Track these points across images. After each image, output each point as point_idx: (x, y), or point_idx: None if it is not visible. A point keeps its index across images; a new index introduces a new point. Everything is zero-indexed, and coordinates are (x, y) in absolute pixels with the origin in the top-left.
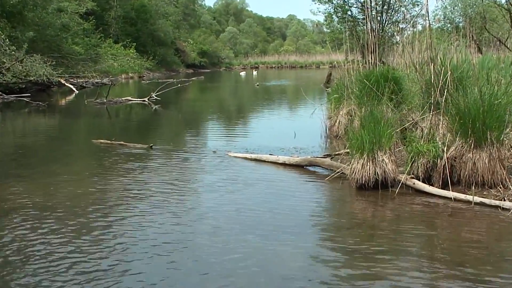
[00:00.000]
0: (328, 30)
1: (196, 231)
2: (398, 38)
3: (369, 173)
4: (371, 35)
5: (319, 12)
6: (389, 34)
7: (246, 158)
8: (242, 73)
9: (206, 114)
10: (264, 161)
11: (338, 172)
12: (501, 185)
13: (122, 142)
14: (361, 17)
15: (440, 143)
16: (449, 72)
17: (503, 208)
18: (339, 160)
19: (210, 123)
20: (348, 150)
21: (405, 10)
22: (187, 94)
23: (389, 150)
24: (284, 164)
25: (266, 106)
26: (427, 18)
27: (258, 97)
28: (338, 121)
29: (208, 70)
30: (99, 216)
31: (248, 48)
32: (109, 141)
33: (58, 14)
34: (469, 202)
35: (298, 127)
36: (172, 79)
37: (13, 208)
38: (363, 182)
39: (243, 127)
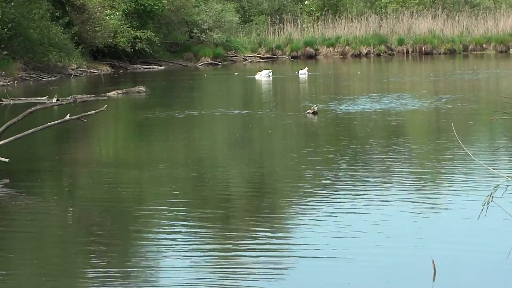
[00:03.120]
0: None
1: None
2: None
3: None
4: None
5: None
6: None
7: None
8: (262, 76)
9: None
10: None
11: None
12: None
13: None
14: None
15: None
16: None
17: None
18: None
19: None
20: None
21: None
22: (94, 151)
23: None
24: None
25: (347, 194)
26: None
27: (316, 161)
28: None
29: (159, 68)
30: None
31: None
32: None
33: None
34: None
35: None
36: (47, 98)
37: None
38: None
39: None
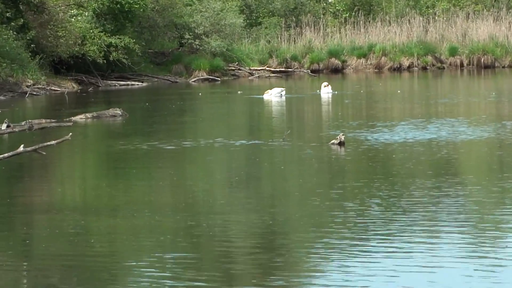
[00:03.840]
0: None
1: None
2: None
3: None
4: None
5: None
6: None
7: None
8: (272, 96)
9: None
10: None
11: None
12: None
13: None
14: None
15: None
16: None
17: None
18: None
19: None
20: None
21: None
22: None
23: None
24: None
25: None
26: None
27: None
28: None
29: (140, 85)
30: None
31: None
32: None
33: None
34: None
35: None
36: None
37: None
38: None
39: None
